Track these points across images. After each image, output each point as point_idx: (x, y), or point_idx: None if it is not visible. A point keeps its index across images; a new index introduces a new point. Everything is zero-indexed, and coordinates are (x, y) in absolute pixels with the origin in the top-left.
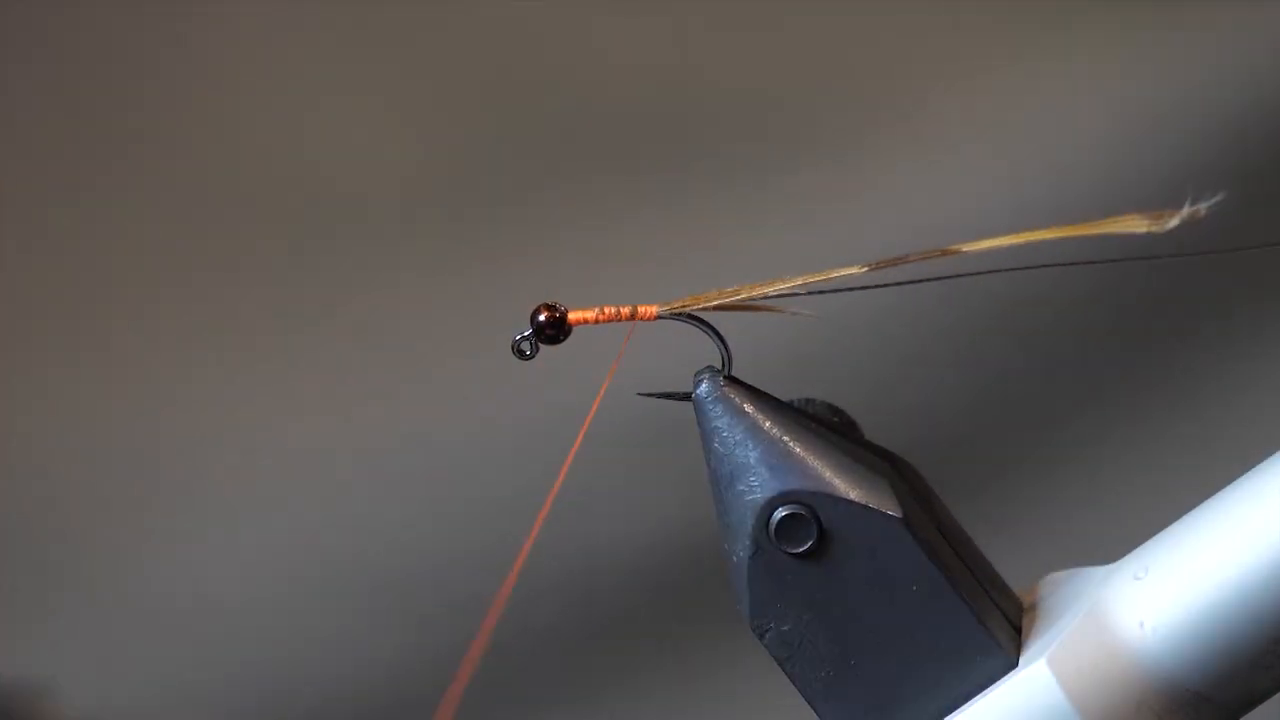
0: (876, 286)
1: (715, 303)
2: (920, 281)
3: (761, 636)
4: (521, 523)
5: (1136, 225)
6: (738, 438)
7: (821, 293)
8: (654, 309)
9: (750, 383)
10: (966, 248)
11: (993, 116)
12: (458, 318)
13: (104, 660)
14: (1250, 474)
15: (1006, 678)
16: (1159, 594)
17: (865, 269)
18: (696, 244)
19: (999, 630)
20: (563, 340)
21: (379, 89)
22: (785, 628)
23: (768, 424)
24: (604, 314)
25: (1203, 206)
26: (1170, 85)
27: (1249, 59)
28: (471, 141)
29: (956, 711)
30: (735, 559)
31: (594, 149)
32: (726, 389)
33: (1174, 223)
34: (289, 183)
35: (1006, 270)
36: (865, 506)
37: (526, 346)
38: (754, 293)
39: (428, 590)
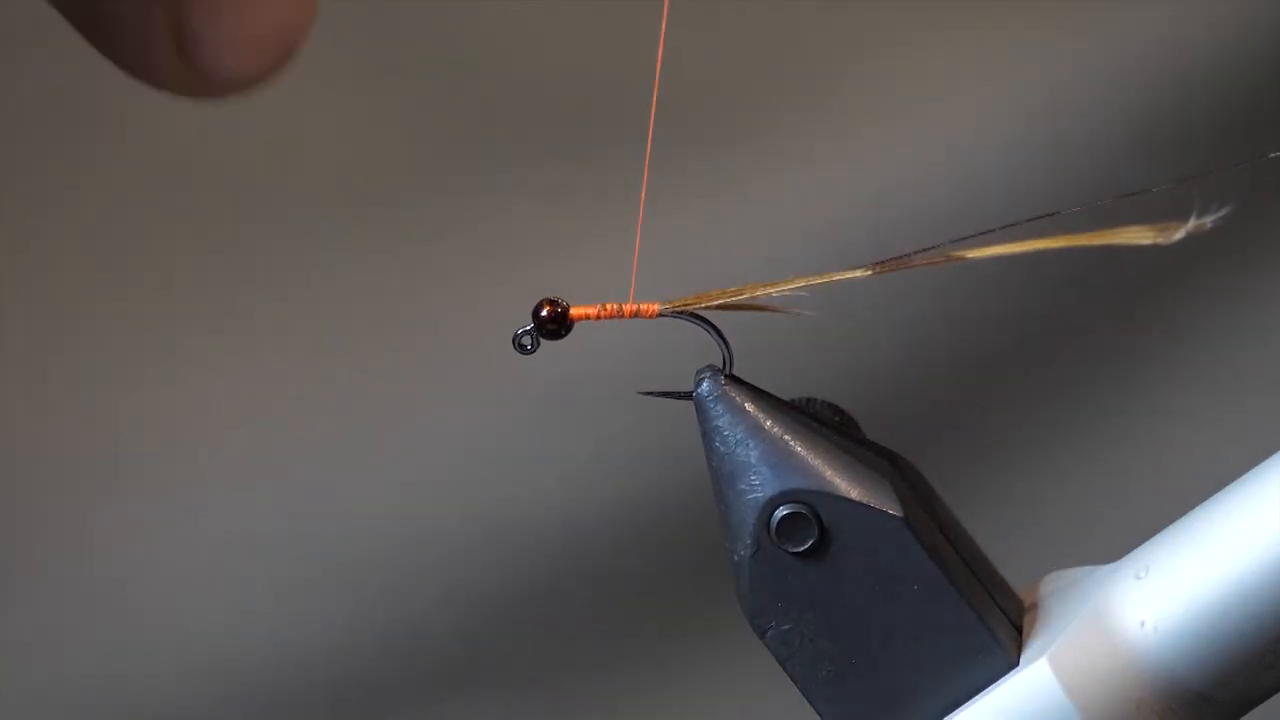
0: (892, 264)
1: (717, 302)
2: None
3: (762, 635)
4: (495, 498)
5: (1142, 236)
6: (739, 437)
7: (819, 281)
8: (655, 306)
9: (751, 382)
10: (970, 254)
11: (917, 92)
12: (396, 297)
13: (64, 643)
14: (1250, 474)
15: (1007, 677)
16: (1160, 593)
17: (868, 271)
18: (627, 227)
19: (1000, 629)
20: (564, 335)
21: (330, 80)
22: (786, 627)
23: (769, 423)
24: (605, 310)
25: (1209, 220)
26: (1099, 56)
27: (1181, 29)
28: (407, 128)
29: (957, 710)
30: (736, 558)
31: (518, 136)
32: (728, 388)
33: (1179, 235)
34: (257, 169)
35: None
36: (866, 505)
37: (528, 341)
38: (756, 292)
39: (397, 576)
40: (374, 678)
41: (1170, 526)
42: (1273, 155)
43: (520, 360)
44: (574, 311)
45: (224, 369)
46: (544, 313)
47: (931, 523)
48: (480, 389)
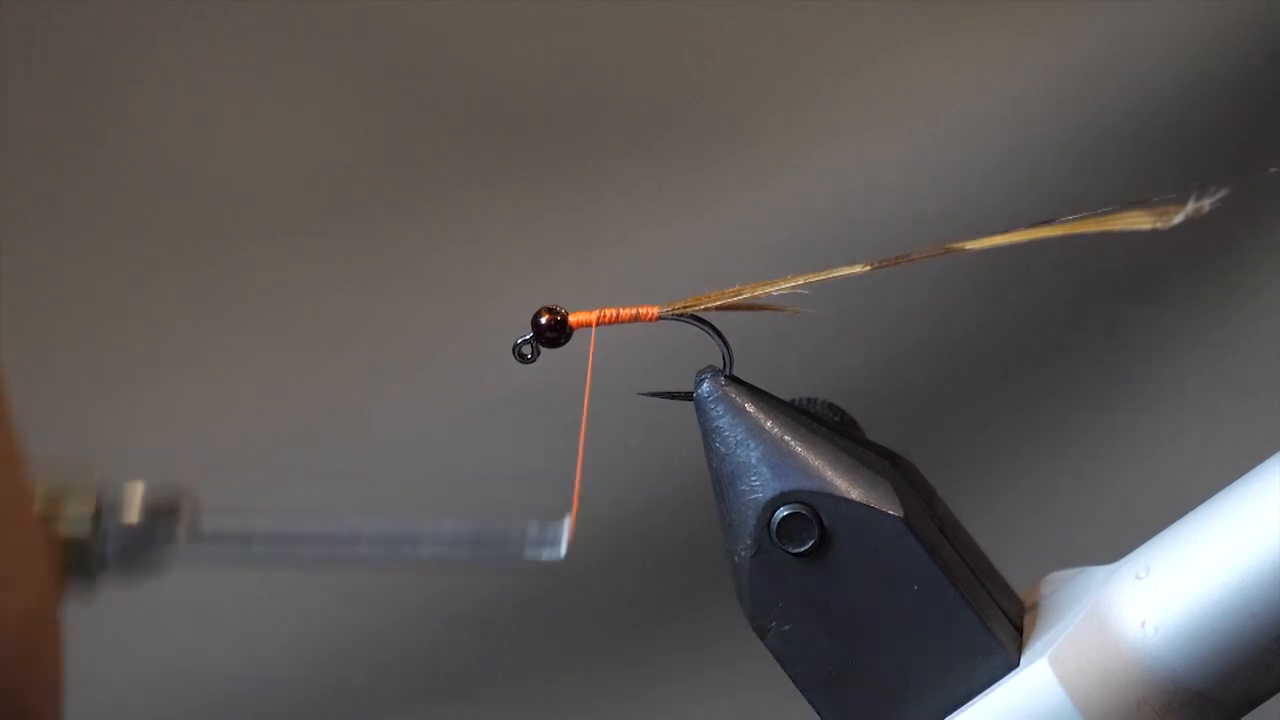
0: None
1: (717, 303)
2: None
3: (763, 636)
4: (490, 502)
5: (1142, 221)
6: (739, 437)
7: (819, 278)
8: (655, 310)
9: (751, 382)
10: (970, 245)
11: (892, 98)
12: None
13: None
14: (1251, 473)
15: (1008, 677)
16: (1160, 593)
17: (867, 267)
18: (607, 239)
19: (1000, 629)
20: (564, 343)
21: (317, 89)
22: (787, 627)
23: (769, 423)
24: (605, 316)
25: (1206, 202)
26: (1071, 60)
27: (1153, 31)
28: (397, 137)
29: (958, 711)
30: (737, 559)
31: (491, 146)
32: (728, 389)
33: (1179, 219)
34: (238, 183)
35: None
36: (866, 506)
37: (528, 350)
38: (755, 291)
39: (387, 582)
40: (363, 683)
41: (1170, 526)
42: (1274, 170)
43: (518, 366)
44: (573, 318)
45: (209, 375)
46: (543, 320)
47: (932, 523)
48: (477, 394)
